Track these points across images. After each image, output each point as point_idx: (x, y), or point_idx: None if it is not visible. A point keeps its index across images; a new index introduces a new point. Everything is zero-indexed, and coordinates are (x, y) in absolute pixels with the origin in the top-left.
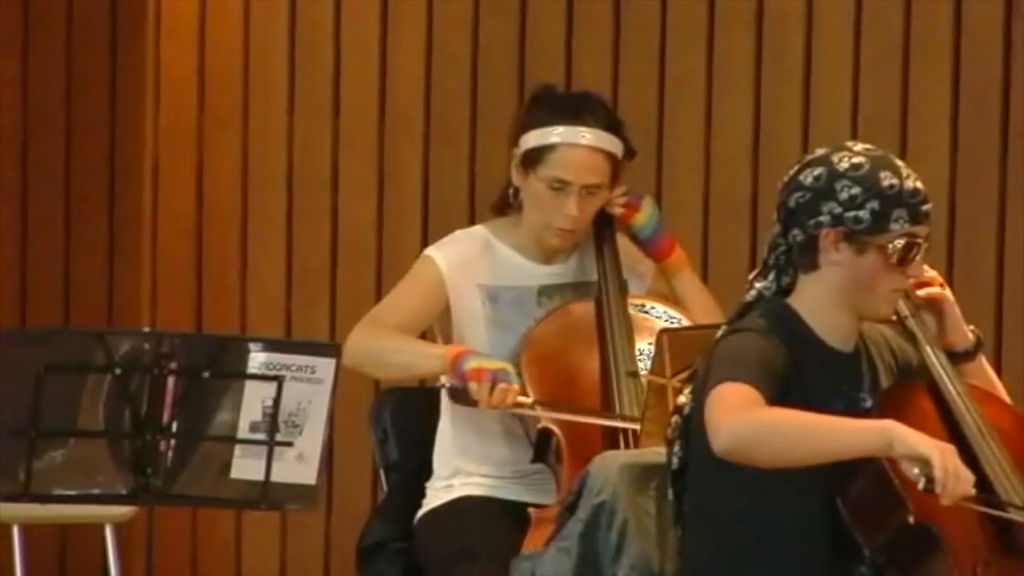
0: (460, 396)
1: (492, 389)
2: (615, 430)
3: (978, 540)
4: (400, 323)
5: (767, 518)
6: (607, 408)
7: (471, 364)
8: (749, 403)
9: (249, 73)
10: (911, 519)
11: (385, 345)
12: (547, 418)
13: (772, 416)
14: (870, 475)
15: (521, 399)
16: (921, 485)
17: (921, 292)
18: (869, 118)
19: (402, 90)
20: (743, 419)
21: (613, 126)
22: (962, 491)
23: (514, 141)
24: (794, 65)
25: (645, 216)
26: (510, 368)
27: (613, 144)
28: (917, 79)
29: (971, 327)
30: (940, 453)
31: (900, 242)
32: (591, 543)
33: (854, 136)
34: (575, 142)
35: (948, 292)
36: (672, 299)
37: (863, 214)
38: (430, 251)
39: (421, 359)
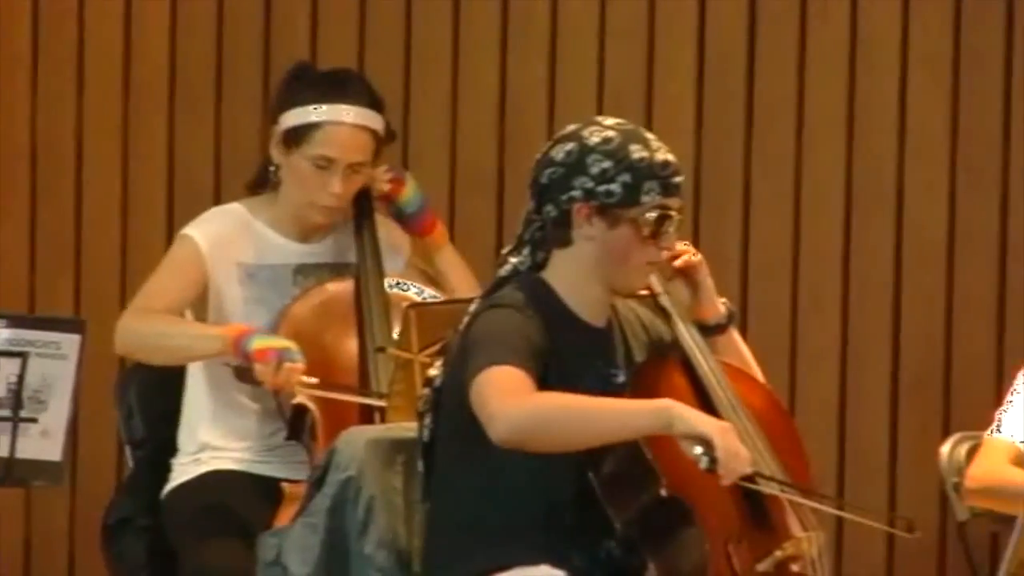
0: (246, 376)
1: (278, 369)
2: (370, 408)
3: (730, 515)
4: (168, 305)
5: (514, 493)
6: (365, 386)
7: (255, 344)
8: (521, 388)
9: None
10: (663, 492)
11: (160, 329)
12: (319, 396)
13: (550, 402)
14: (623, 449)
15: (305, 379)
16: (704, 465)
17: (678, 262)
18: (615, 92)
19: (146, 62)
20: (520, 406)
21: (375, 104)
22: (740, 470)
23: (273, 118)
24: (540, 38)
25: (410, 191)
26: (294, 347)
27: (376, 122)
28: (662, 54)
29: (723, 300)
30: (719, 432)
31: (652, 215)
32: (338, 519)
33: (600, 110)
34: (339, 120)
35: (702, 262)
36: (433, 276)
37: (615, 187)
38: (188, 230)
39: (200, 341)
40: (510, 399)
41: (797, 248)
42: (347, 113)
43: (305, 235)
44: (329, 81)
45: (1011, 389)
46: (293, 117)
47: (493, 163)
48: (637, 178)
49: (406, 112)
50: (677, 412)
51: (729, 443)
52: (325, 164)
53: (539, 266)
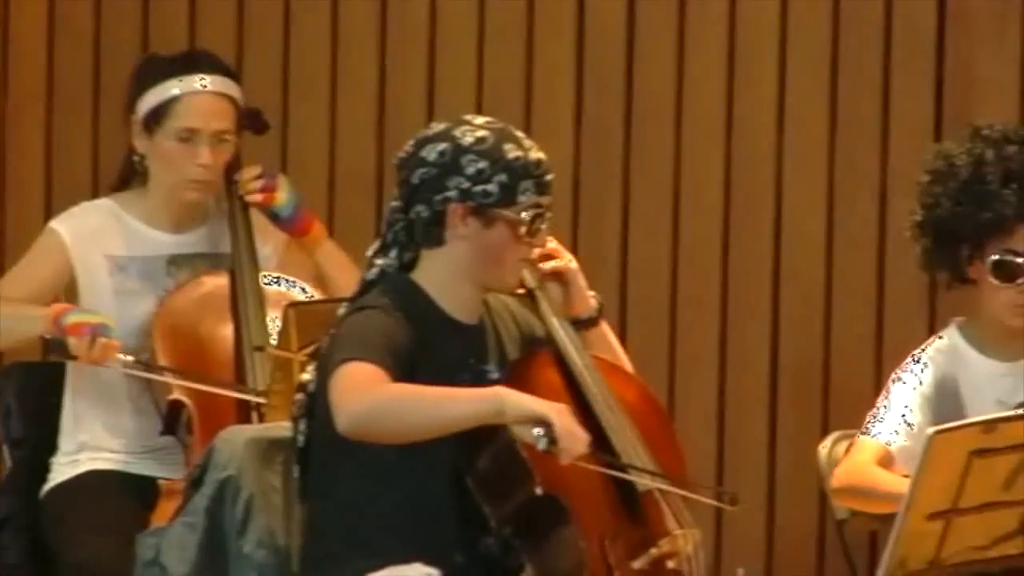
0: (60, 350)
1: (92, 344)
2: (247, 404)
3: (606, 512)
4: (20, 295)
5: (390, 494)
6: (241, 382)
7: (71, 319)
8: (371, 381)
9: None
10: (538, 490)
11: None
12: (176, 386)
13: (388, 392)
14: (498, 447)
15: (121, 356)
16: (542, 446)
17: (547, 265)
18: (494, 91)
19: (24, 65)
20: (361, 397)
21: (229, 74)
22: (579, 449)
23: (130, 109)
24: (419, 36)
25: (284, 195)
26: (110, 323)
27: (233, 89)
28: (541, 53)
29: (593, 293)
30: (555, 413)
31: (528, 214)
32: (216, 518)
33: (479, 110)
34: (196, 89)
35: (573, 262)
36: (315, 273)
37: (491, 187)
38: (53, 223)
39: (24, 322)
40: (355, 392)
41: (676, 247)
42: (203, 82)
43: (177, 226)
44: (180, 59)
45: (891, 387)
46: (150, 98)
47: (372, 163)
48: (513, 178)
49: (285, 112)
50: (509, 397)
51: (566, 423)
52: (189, 136)
53: (407, 267)
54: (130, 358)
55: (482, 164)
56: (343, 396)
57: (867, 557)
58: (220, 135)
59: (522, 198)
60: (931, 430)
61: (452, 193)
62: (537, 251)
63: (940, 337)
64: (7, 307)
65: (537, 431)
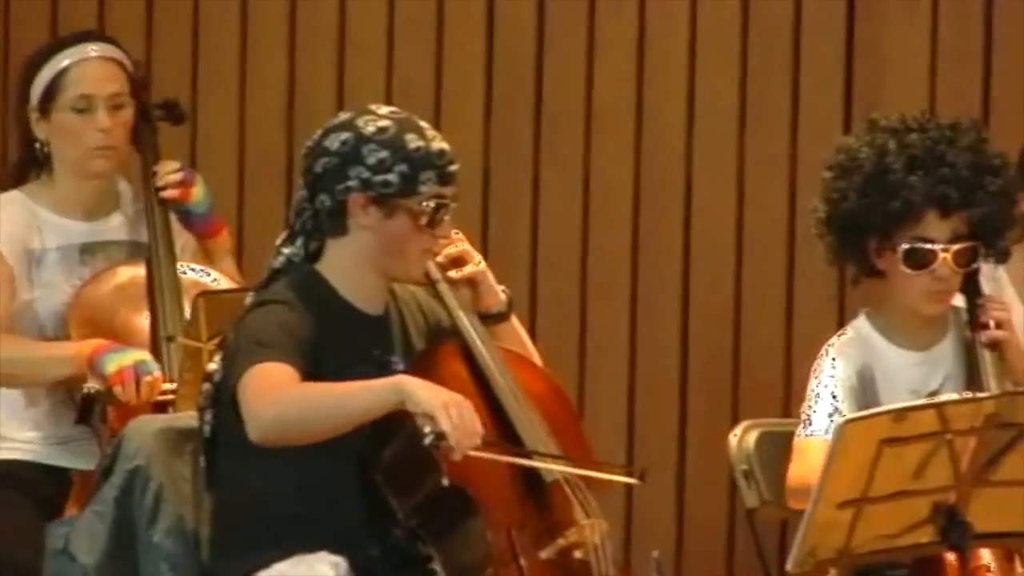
0: (104, 400)
1: (138, 386)
2: (162, 394)
3: (513, 503)
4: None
5: (297, 484)
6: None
7: (110, 367)
8: (277, 383)
9: None
10: (444, 481)
11: (5, 355)
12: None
13: (290, 396)
14: (404, 439)
15: (166, 386)
16: (429, 441)
17: (458, 274)
18: (403, 83)
19: None
20: (267, 406)
21: (117, 46)
22: (470, 443)
23: (24, 101)
24: (328, 27)
25: (200, 192)
26: (147, 357)
27: (122, 55)
28: (451, 45)
29: (503, 288)
30: (450, 406)
31: (430, 204)
32: (126, 507)
33: (389, 101)
34: (84, 56)
35: (481, 265)
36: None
37: (392, 177)
38: None
39: (43, 365)
40: (260, 399)
41: (586, 240)
42: (91, 49)
43: (89, 213)
44: (66, 38)
45: (812, 384)
46: (43, 76)
47: (282, 154)
48: (414, 168)
49: (194, 103)
50: (410, 387)
51: (455, 415)
52: (85, 105)
53: (313, 256)
54: (172, 385)
55: (383, 154)
56: (252, 404)
57: (777, 546)
58: (115, 99)
59: (423, 188)
60: (841, 419)
61: (353, 183)
62: (446, 255)
63: (845, 333)
64: (11, 345)
65: (428, 426)
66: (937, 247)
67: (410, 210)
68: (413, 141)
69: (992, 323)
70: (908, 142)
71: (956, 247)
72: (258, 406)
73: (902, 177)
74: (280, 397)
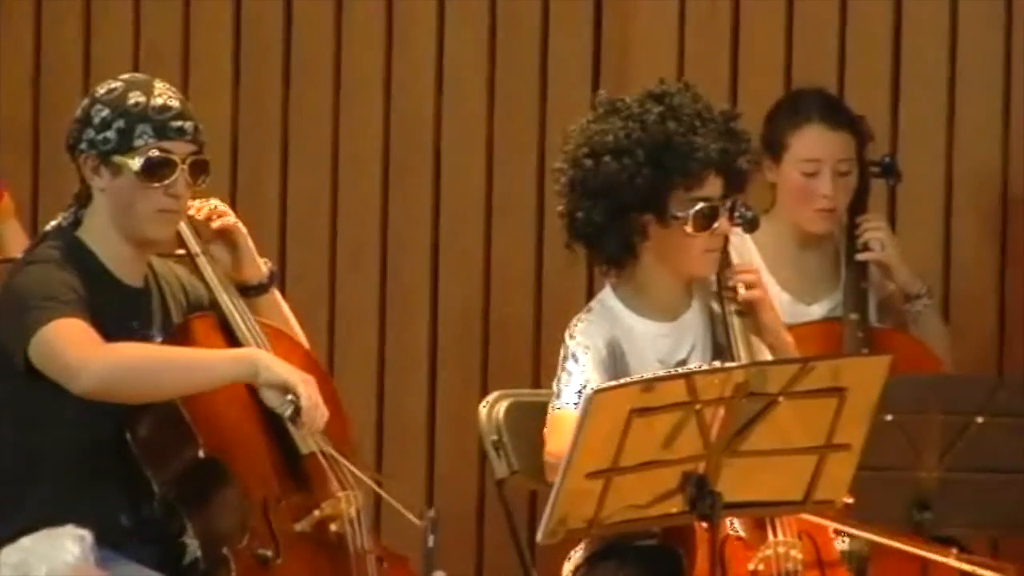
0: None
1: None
2: None
3: (269, 475)
4: None
5: (51, 453)
6: None
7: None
8: (93, 338)
9: None
10: (201, 454)
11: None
12: None
13: (135, 352)
14: (161, 411)
15: None
16: (287, 414)
17: (215, 223)
18: (151, 50)
19: None
20: (104, 357)
21: None
22: (320, 422)
23: None
24: None
25: None
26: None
27: None
28: (198, 11)
29: (265, 260)
30: (304, 384)
31: (147, 156)
32: None
33: (136, 68)
34: None
35: (240, 224)
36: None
37: (110, 134)
38: None
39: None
40: (88, 350)
41: (335, 207)
42: None
43: None
44: None
45: (561, 357)
46: None
47: (28, 121)
48: (130, 122)
49: None
50: (263, 362)
51: (312, 394)
52: None
53: (80, 223)
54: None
55: (105, 112)
56: (74, 355)
57: (527, 516)
58: None
59: (138, 142)
60: (590, 389)
61: (84, 145)
62: (203, 212)
63: (590, 309)
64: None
65: (285, 399)
66: (718, 205)
67: (128, 165)
68: (135, 98)
69: (742, 287)
70: (677, 105)
71: (729, 203)
72: (86, 359)
73: (689, 138)
74: (117, 353)
